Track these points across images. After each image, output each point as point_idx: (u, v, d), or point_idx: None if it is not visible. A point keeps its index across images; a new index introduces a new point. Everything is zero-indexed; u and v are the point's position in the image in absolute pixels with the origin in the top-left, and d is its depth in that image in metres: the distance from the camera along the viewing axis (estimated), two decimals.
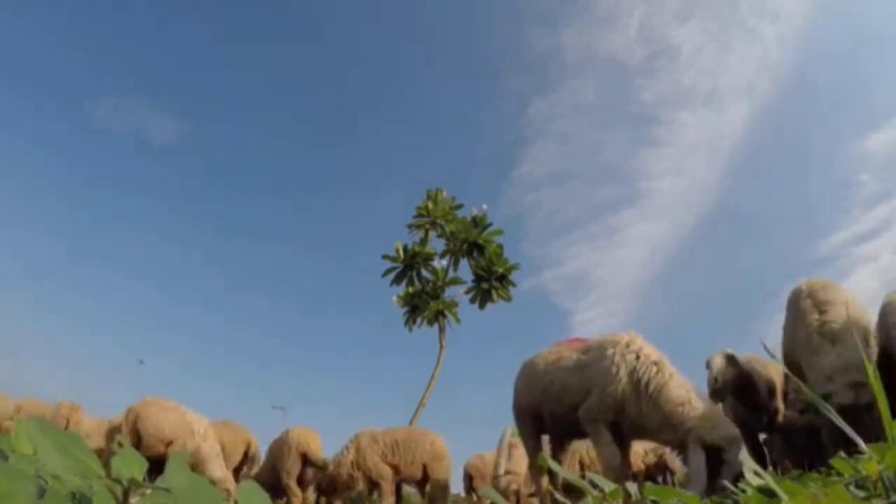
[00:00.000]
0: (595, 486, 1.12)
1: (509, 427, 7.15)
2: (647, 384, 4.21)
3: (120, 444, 0.71)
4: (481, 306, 15.19)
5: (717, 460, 3.82)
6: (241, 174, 45.26)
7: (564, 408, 4.81)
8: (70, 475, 0.59)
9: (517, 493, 6.89)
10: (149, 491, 0.64)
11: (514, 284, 15.19)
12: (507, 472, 7.05)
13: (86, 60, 41.37)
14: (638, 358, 4.36)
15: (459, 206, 15.45)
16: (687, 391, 4.11)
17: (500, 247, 15.14)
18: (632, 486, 1.10)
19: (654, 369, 4.26)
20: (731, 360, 4.90)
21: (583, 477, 1.23)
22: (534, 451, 5.35)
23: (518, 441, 6.52)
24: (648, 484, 1.05)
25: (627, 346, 4.50)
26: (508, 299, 15.06)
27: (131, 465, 0.68)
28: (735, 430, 3.94)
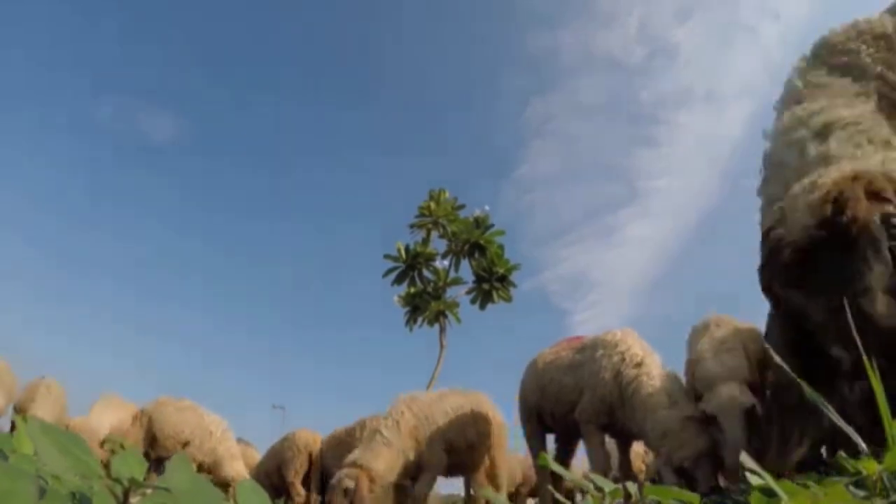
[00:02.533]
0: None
1: (397, 404, 5.29)
2: (628, 386, 4.09)
3: (122, 446, 0.71)
4: (482, 307, 15.16)
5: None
6: (241, 174, 45.27)
7: (563, 408, 4.77)
8: (70, 475, 0.59)
9: (347, 491, 4.62)
10: (149, 491, 0.64)
11: (514, 285, 15.15)
12: (354, 464, 4.80)
13: (86, 60, 41.39)
14: (623, 359, 4.24)
15: (461, 207, 15.42)
16: (656, 398, 3.91)
17: (501, 247, 15.10)
18: (632, 486, 1.10)
19: (634, 372, 4.12)
20: None
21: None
22: (537, 450, 5.36)
23: (392, 434, 5.02)
24: (648, 484, 1.05)
25: (615, 346, 4.38)
26: (509, 300, 15.03)
27: (131, 465, 0.68)
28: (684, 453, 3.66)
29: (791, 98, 2.33)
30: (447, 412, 5.38)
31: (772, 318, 2.41)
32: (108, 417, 7.20)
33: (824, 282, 1.81)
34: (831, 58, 2.41)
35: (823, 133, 2.05)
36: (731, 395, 3.46)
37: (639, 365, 4.16)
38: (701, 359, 3.78)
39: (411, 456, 5.09)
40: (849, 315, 1.54)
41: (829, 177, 1.88)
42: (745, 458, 0.97)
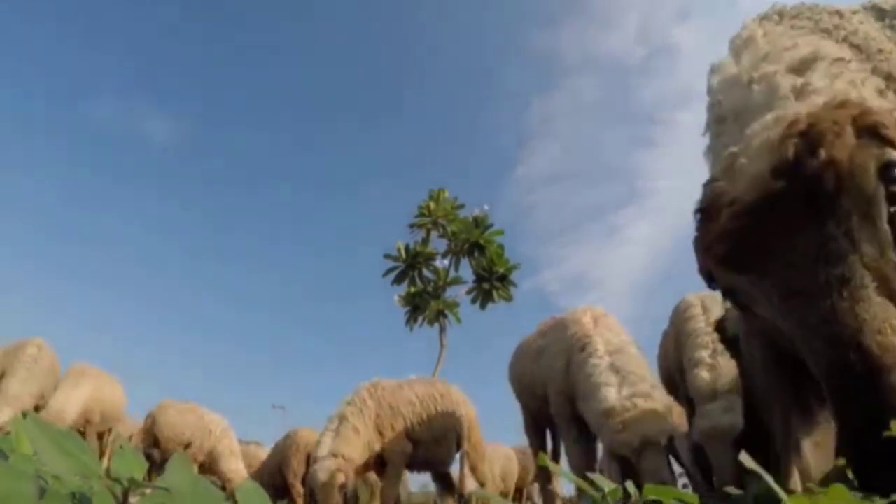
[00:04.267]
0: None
1: (349, 396, 4.96)
2: (577, 375, 3.62)
3: (121, 447, 0.71)
4: (482, 306, 15.18)
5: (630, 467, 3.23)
6: (243, 174, 45.30)
7: (537, 402, 4.34)
8: (70, 475, 0.59)
9: (343, 486, 4.43)
10: (149, 491, 0.64)
11: (514, 284, 15.19)
12: (333, 455, 4.56)
13: (86, 60, 41.39)
14: (572, 344, 3.77)
15: (461, 206, 15.45)
16: (603, 377, 3.43)
17: (501, 247, 15.14)
18: (631, 486, 1.09)
19: (581, 357, 3.64)
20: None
21: None
22: (536, 448, 5.01)
23: (358, 421, 4.76)
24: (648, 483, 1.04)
25: (566, 328, 3.91)
26: (509, 299, 15.06)
27: (131, 465, 0.69)
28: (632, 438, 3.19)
29: (746, 46, 1.70)
30: (412, 401, 5.06)
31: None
32: (76, 396, 6.72)
33: (780, 261, 1.15)
34: (789, 19, 1.87)
35: (801, 68, 1.47)
36: (714, 425, 3.05)
37: (584, 348, 3.67)
38: (698, 362, 3.34)
39: (376, 448, 4.86)
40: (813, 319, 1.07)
41: (803, 107, 1.26)
42: (745, 458, 0.96)
